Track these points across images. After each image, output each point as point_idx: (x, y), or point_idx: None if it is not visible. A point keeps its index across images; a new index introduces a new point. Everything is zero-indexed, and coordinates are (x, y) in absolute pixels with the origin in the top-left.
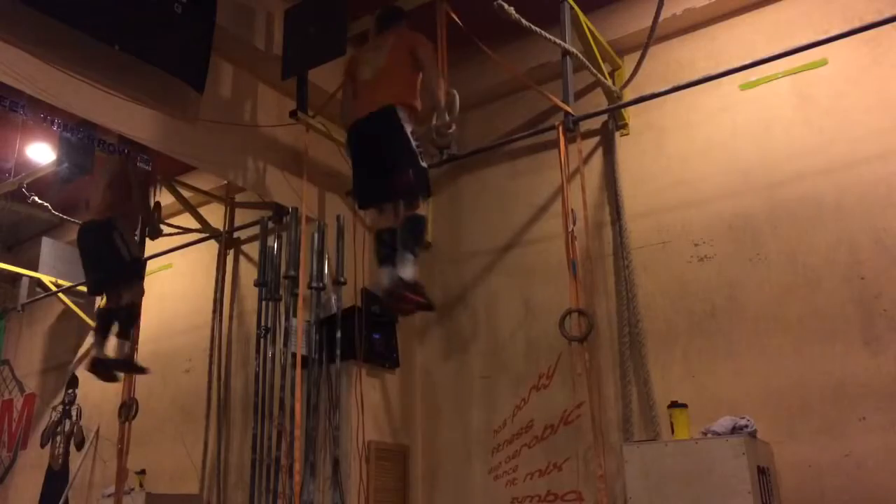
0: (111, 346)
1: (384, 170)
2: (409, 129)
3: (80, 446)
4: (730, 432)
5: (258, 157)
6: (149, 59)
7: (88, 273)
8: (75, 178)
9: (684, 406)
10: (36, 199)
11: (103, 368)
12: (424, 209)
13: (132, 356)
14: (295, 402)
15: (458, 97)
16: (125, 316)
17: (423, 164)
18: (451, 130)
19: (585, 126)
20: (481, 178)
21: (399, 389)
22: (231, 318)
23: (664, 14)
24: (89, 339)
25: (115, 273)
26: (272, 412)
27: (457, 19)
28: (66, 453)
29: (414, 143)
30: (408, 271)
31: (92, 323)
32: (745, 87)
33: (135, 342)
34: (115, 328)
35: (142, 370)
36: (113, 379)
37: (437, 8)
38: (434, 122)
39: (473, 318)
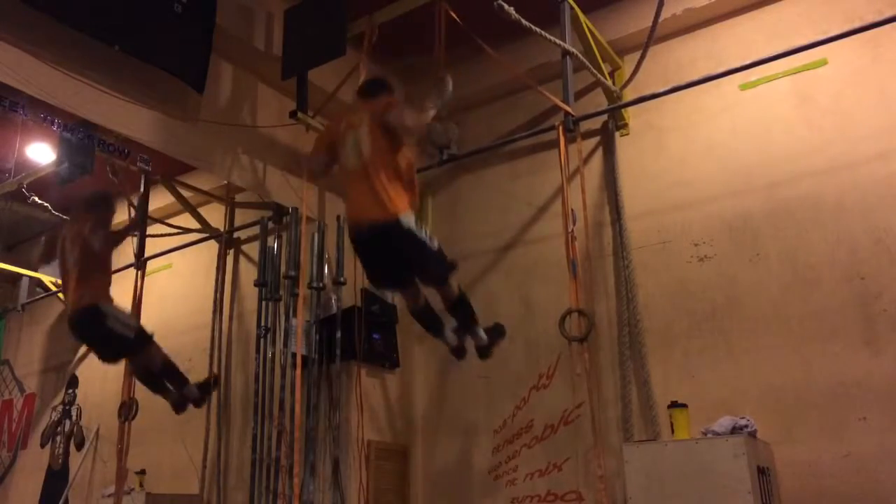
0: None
1: (405, 270)
2: (410, 222)
3: (80, 446)
4: (730, 432)
5: (258, 158)
6: (149, 59)
7: (98, 352)
8: (75, 178)
9: (684, 406)
10: (36, 199)
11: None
12: (455, 284)
13: (208, 383)
14: (295, 402)
15: (449, 81)
16: (166, 376)
17: (436, 248)
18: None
19: (585, 126)
20: (481, 178)
21: (399, 389)
22: (231, 318)
23: (664, 14)
24: None
25: (127, 352)
26: (272, 412)
27: (456, 18)
28: (66, 453)
29: (429, 243)
30: (482, 337)
31: None
32: (745, 87)
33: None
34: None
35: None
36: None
37: (435, 7)
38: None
39: None
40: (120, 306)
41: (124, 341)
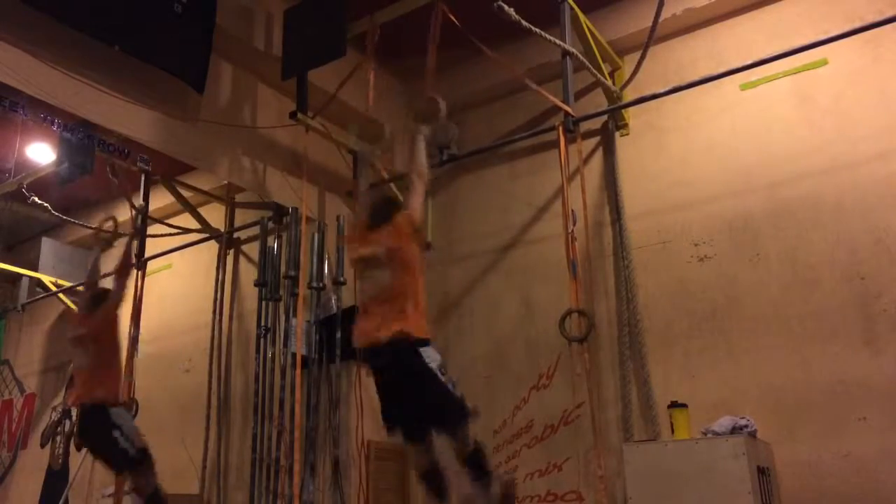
0: None
1: (416, 408)
2: (433, 364)
3: (80, 446)
4: (730, 432)
5: (258, 158)
6: (149, 59)
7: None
8: (75, 178)
9: (684, 406)
10: (36, 199)
11: None
12: (471, 437)
13: None
14: (295, 402)
15: (443, 107)
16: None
17: (458, 395)
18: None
19: (585, 126)
20: (481, 178)
21: None
22: (231, 318)
23: (664, 14)
24: None
25: (125, 467)
26: (272, 412)
27: (455, 20)
28: (66, 453)
29: (451, 389)
30: (494, 493)
31: None
32: (746, 87)
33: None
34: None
35: None
36: None
37: (433, 8)
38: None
39: (473, 318)
40: (130, 422)
41: (125, 456)
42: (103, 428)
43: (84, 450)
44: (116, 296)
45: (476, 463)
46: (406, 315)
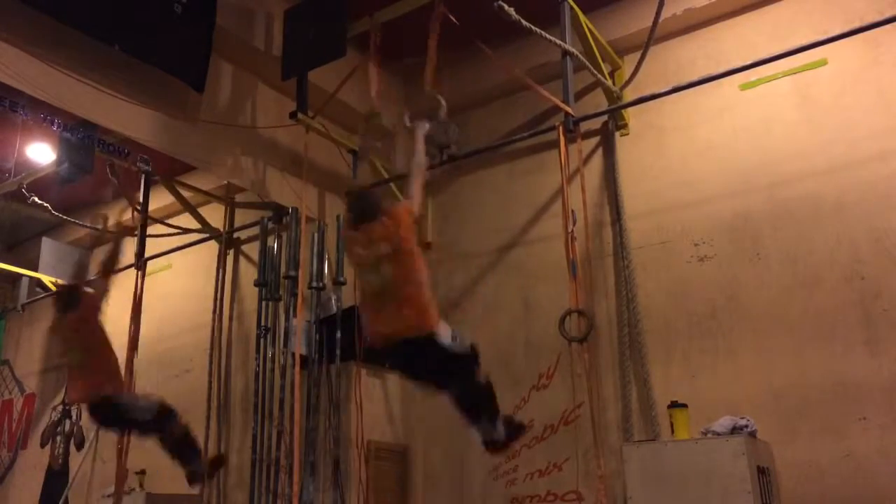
0: None
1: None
2: (447, 341)
3: (80, 446)
4: (730, 432)
5: (258, 158)
6: (149, 59)
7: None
8: (75, 178)
9: (684, 406)
10: (36, 199)
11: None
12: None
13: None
14: (295, 402)
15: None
16: (182, 447)
17: (466, 348)
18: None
19: (585, 126)
20: (481, 178)
21: (399, 389)
22: (231, 318)
23: (664, 14)
24: None
25: (150, 432)
26: (272, 412)
27: (454, 21)
28: (66, 453)
29: (457, 349)
30: (500, 431)
31: None
32: (746, 87)
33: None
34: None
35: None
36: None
37: (434, 9)
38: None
39: (473, 317)
40: (133, 393)
41: (145, 424)
42: (115, 415)
43: (84, 450)
44: (99, 292)
45: (486, 403)
46: (415, 308)
